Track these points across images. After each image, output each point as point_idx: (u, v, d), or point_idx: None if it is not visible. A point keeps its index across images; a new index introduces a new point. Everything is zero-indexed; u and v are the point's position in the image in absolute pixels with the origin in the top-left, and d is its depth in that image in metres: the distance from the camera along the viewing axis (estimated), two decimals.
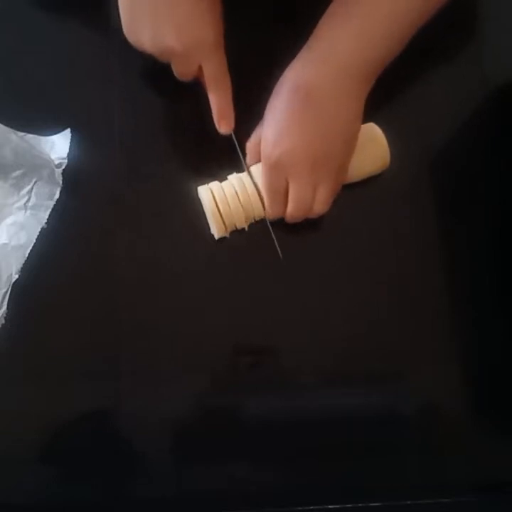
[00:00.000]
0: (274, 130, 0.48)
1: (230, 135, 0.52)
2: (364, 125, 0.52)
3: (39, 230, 0.53)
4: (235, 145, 0.52)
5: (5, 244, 0.53)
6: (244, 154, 0.52)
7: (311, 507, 0.49)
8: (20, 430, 0.51)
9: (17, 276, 0.52)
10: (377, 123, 0.52)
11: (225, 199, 0.51)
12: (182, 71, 0.50)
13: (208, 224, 0.53)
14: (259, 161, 0.50)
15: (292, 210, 0.50)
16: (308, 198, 0.49)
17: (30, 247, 0.53)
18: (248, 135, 0.52)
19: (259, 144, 0.50)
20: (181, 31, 0.46)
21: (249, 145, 0.52)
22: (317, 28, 0.49)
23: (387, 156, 0.53)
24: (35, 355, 0.52)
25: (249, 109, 0.52)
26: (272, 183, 0.49)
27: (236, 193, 0.51)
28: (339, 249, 0.54)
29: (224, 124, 0.51)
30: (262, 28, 0.58)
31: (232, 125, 0.51)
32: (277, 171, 0.48)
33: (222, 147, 0.54)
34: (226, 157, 0.54)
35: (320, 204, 0.50)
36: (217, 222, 0.51)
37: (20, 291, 0.52)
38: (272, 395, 0.52)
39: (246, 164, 0.52)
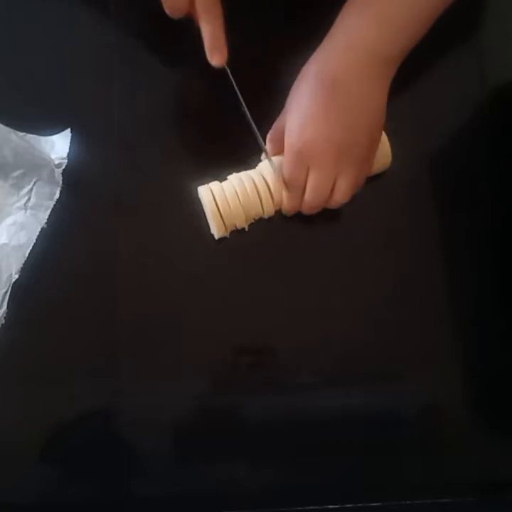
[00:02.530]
0: (298, 119, 0.48)
1: (224, 68, 0.49)
2: None
3: (39, 230, 0.53)
4: (236, 92, 0.50)
5: (5, 244, 0.53)
6: (253, 119, 0.51)
7: (311, 507, 0.49)
8: (20, 430, 0.51)
9: (17, 276, 0.52)
10: None
11: (225, 199, 0.51)
12: (173, 4, 0.47)
13: (208, 224, 0.53)
14: (280, 151, 0.50)
15: (310, 200, 0.49)
16: (326, 188, 0.49)
17: (30, 247, 0.53)
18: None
19: (280, 134, 0.49)
20: None
21: (271, 136, 0.52)
22: (339, 16, 0.49)
23: (388, 155, 0.53)
24: (36, 355, 0.52)
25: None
26: (293, 172, 0.49)
27: (236, 193, 0.51)
28: (339, 249, 0.54)
29: (217, 55, 0.48)
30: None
31: (225, 57, 0.48)
32: (301, 160, 0.48)
33: (223, 147, 0.54)
34: (227, 157, 0.54)
35: (340, 194, 0.49)
36: (217, 222, 0.51)
37: (20, 291, 0.52)
38: (271, 395, 0.52)
39: (259, 138, 0.51)
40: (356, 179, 0.49)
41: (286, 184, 0.50)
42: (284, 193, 0.50)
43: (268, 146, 0.52)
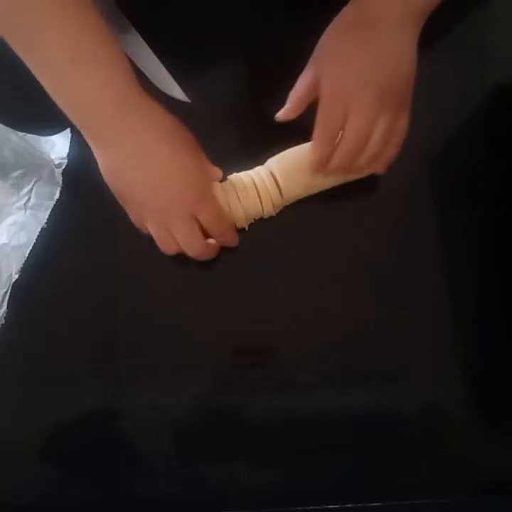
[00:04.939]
0: (338, 61, 0.46)
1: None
2: None
3: (39, 230, 0.53)
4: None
5: (5, 244, 0.53)
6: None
7: (311, 507, 0.49)
8: (20, 430, 0.51)
9: (17, 276, 0.52)
10: None
11: (225, 199, 0.51)
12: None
13: None
14: (299, 110, 0.48)
15: (349, 145, 0.47)
16: (366, 132, 0.47)
17: (30, 247, 0.53)
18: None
19: (306, 91, 0.47)
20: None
21: (296, 94, 0.48)
22: None
23: None
24: (36, 355, 0.52)
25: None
26: (331, 115, 0.46)
27: (236, 193, 0.51)
28: (339, 249, 0.54)
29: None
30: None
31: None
32: (340, 102, 0.46)
33: (223, 147, 0.54)
34: (227, 157, 0.53)
35: (378, 141, 0.47)
36: None
37: (20, 291, 0.52)
38: (271, 395, 0.52)
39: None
40: (394, 128, 0.48)
41: (321, 130, 0.47)
42: (315, 142, 0.47)
43: (292, 102, 0.48)
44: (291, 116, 0.48)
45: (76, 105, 0.44)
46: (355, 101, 0.46)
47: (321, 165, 0.49)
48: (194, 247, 0.50)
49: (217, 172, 0.51)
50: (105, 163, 0.47)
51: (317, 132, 0.47)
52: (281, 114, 0.48)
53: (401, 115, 0.49)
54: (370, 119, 0.47)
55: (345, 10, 0.48)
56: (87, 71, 0.43)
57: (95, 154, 0.47)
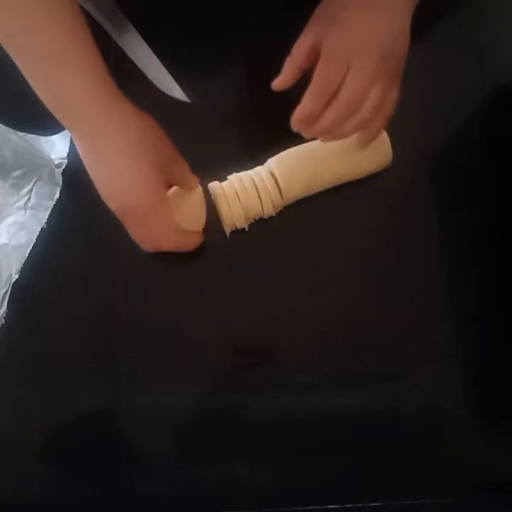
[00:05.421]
0: (341, 23, 0.46)
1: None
2: None
3: (39, 230, 0.53)
4: None
5: (5, 244, 0.53)
6: None
7: (311, 507, 0.49)
8: (20, 430, 0.51)
9: (17, 276, 0.52)
10: None
11: (225, 199, 0.51)
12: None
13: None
14: (296, 77, 0.47)
15: (342, 104, 0.46)
16: (362, 94, 0.46)
17: (30, 247, 0.53)
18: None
19: (304, 56, 0.47)
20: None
21: (294, 60, 0.47)
22: None
23: (389, 153, 0.53)
24: (36, 355, 0.52)
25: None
26: (330, 70, 0.46)
27: (236, 193, 0.51)
28: (340, 249, 0.54)
29: None
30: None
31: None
32: (341, 58, 0.46)
33: (222, 147, 0.54)
34: (227, 157, 0.54)
35: (371, 104, 0.47)
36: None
37: (20, 291, 0.52)
38: (271, 395, 0.52)
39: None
40: (385, 99, 0.47)
41: (316, 85, 0.46)
42: (306, 97, 0.46)
43: (289, 69, 0.47)
44: (288, 83, 0.47)
45: (57, 104, 0.47)
46: (356, 63, 0.46)
47: (307, 122, 0.47)
48: (144, 246, 0.50)
49: (194, 180, 0.50)
50: (82, 156, 0.48)
51: (311, 87, 0.46)
52: (278, 83, 0.47)
53: (393, 87, 0.48)
54: (367, 83, 0.46)
55: None
56: (67, 73, 0.44)
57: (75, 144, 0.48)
